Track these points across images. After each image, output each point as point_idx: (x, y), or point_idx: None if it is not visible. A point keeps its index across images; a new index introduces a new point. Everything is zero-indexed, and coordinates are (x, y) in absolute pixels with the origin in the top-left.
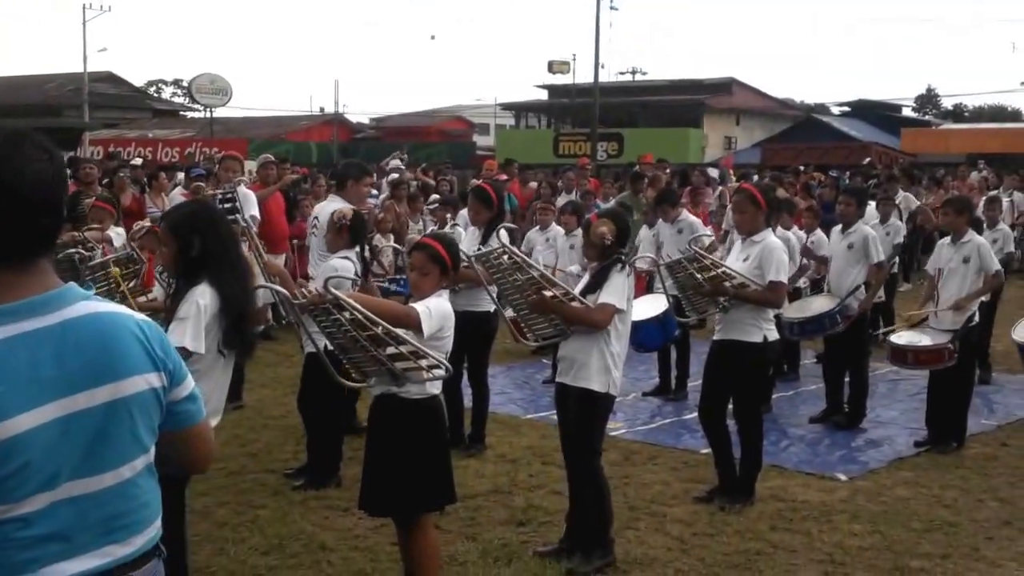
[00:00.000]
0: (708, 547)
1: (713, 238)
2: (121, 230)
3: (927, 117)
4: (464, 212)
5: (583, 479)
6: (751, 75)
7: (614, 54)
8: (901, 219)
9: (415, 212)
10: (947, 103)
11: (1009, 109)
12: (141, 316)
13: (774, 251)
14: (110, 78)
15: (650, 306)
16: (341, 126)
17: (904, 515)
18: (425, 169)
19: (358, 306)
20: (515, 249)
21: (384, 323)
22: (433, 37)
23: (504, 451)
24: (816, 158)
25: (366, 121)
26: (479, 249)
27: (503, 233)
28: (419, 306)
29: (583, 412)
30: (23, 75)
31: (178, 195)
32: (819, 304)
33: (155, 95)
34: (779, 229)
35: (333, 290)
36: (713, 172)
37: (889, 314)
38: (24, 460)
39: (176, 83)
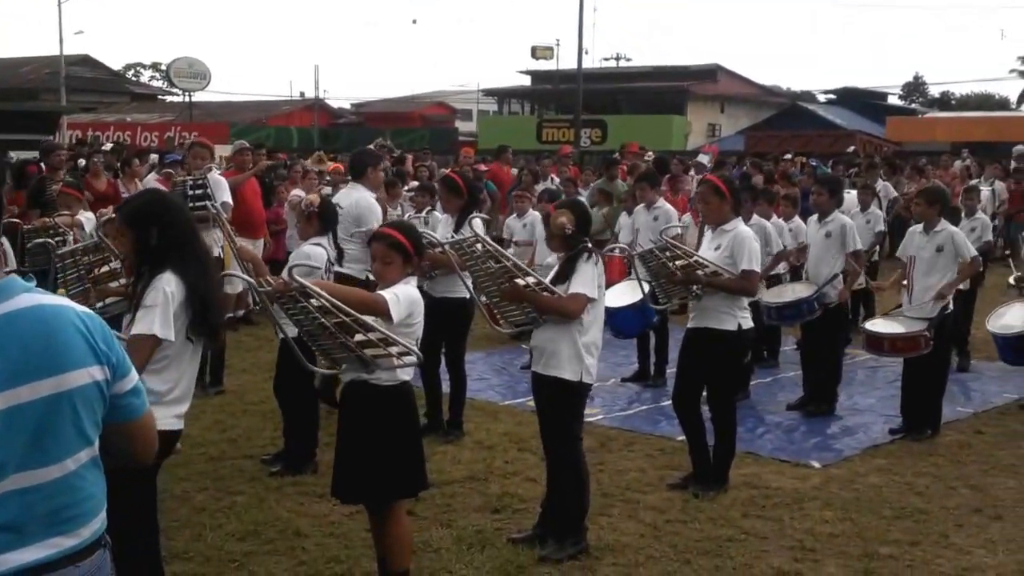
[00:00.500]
0: (680, 534)
1: (681, 228)
2: (91, 215)
3: (913, 105)
4: None
5: (562, 465)
6: (737, 62)
7: (598, 40)
8: (881, 208)
9: (393, 198)
10: (935, 91)
11: (996, 97)
12: (83, 309)
13: (745, 240)
14: (87, 61)
15: (628, 293)
16: (322, 111)
17: (876, 502)
18: (396, 157)
19: (324, 294)
20: (488, 239)
21: (352, 311)
22: (415, 22)
23: (481, 437)
24: (800, 146)
25: (347, 106)
26: (452, 237)
27: (477, 223)
28: (387, 293)
29: (557, 401)
30: None
31: (152, 180)
32: (797, 290)
33: (133, 79)
34: (755, 217)
35: (299, 278)
36: (704, 158)
37: (870, 302)
38: None
39: (155, 67)
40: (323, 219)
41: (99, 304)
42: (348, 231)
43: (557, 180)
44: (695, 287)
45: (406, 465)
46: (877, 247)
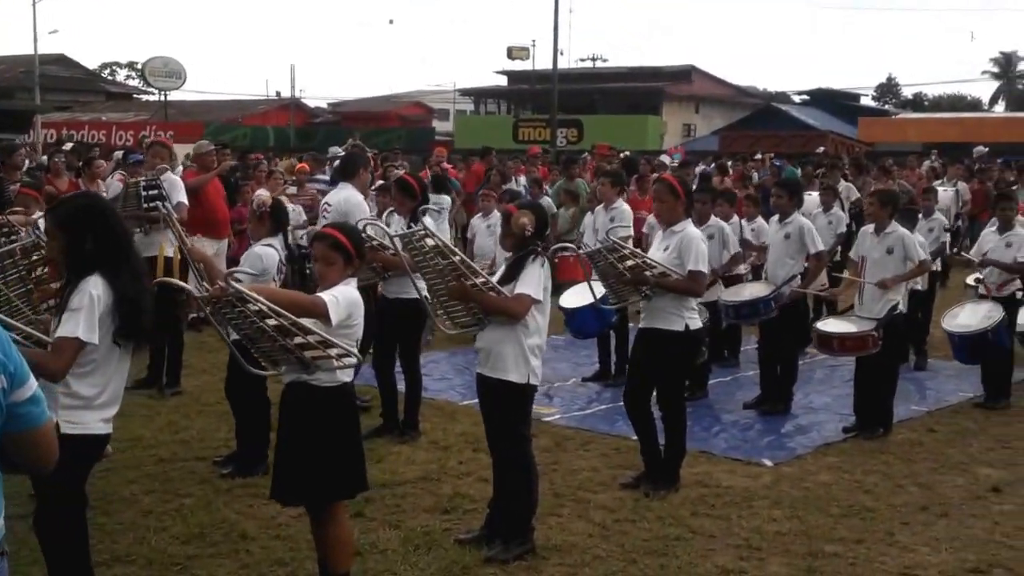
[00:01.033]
0: (628, 533)
1: (631, 231)
2: None
3: (886, 107)
4: None
5: (509, 467)
6: (712, 63)
7: (575, 41)
8: (843, 209)
9: None
10: (907, 92)
11: (968, 98)
12: None
13: (693, 241)
14: (62, 60)
15: (587, 293)
16: (298, 111)
17: (824, 500)
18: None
19: (261, 298)
20: (436, 233)
21: (289, 314)
22: (392, 21)
23: (437, 438)
24: (772, 146)
25: (324, 106)
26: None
27: (427, 218)
28: (326, 295)
29: (503, 403)
30: None
31: (114, 180)
32: (755, 289)
33: (108, 78)
34: (713, 218)
35: (235, 284)
36: (667, 159)
37: (832, 303)
38: None
39: (130, 66)
40: (275, 219)
41: (43, 306)
42: None
43: (524, 180)
44: (644, 288)
45: (345, 466)
46: (839, 248)
